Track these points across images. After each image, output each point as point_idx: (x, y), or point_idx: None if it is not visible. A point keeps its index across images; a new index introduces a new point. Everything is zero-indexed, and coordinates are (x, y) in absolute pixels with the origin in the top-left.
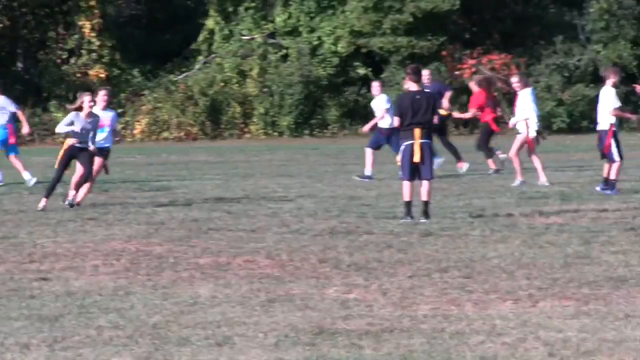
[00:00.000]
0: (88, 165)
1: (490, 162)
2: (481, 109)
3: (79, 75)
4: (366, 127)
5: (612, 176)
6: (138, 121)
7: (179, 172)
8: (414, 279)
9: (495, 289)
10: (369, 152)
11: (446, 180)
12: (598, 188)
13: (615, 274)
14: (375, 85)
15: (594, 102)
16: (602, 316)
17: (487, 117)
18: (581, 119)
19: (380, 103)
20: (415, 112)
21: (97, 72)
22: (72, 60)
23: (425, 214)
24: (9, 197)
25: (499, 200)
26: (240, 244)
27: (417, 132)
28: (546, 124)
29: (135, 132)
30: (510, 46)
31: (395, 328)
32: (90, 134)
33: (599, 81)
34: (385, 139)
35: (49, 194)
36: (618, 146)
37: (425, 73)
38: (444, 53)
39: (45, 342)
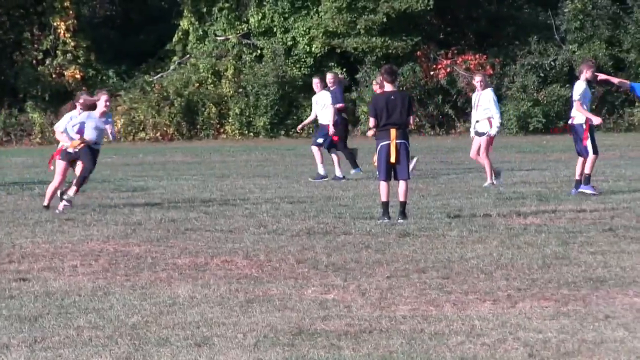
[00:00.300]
0: (91, 165)
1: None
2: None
3: (54, 76)
4: (299, 127)
5: (587, 170)
6: (114, 122)
7: (155, 173)
8: (392, 280)
9: (474, 290)
10: (332, 155)
11: (423, 181)
12: (572, 191)
13: (594, 275)
14: (316, 82)
15: (570, 102)
16: (582, 317)
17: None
18: (557, 119)
19: (324, 99)
20: (391, 112)
21: (73, 72)
22: (48, 61)
23: (403, 214)
24: None
25: (476, 201)
26: (218, 244)
27: (392, 132)
28: (522, 124)
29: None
30: (485, 46)
31: (374, 329)
32: (105, 133)
33: (574, 81)
34: (326, 134)
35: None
36: (593, 141)
37: (330, 77)
38: (418, 53)
39: (25, 343)
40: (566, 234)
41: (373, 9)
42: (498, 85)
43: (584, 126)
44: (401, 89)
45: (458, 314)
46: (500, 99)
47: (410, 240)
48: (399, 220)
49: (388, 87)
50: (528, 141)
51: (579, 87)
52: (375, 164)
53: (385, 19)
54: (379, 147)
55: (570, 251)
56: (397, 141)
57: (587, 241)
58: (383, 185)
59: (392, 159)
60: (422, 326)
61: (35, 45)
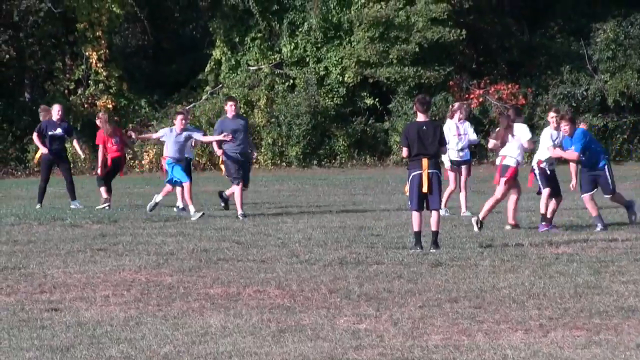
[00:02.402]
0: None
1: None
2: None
3: (86, 105)
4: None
5: (542, 209)
6: (146, 151)
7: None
8: (425, 309)
9: (506, 319)
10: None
11: (455, 210)
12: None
13: (625, 304)
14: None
15: (602, 131)
16: (613, 346)
17: (114, 153)
18: None
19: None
20: (423, 142)
21: (105, 102)
22: (80, 91)
23: (435, 244)
24: (19, 227)
25: (508, 230)
26: (250, 274)
27: (424, 162)
28: None
29: (143, 162)
30: (517, 76)
31: (407, 358)
32: None
33: (606, 111)
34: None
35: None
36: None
37: (56, 109)
38: (451, 83)
39: None
40: (598, 263)
41: (405, 39)
42: (530, 114)
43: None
44: (434, 119)
45: (490, 344)
46: (533, 128)
47: (443, 270)
48: (431, 250)
49: (420, 117)
50: (560, 170)
51: (545, 134)
52: (407, 193)
53: (417, 49)
54: (410, 176)
55: (602, 280)
56: (429, 171)
57: (619, 270)
58: (415, 215)
59: (425, 189)
60: (454, 355)
61: (67, 75)
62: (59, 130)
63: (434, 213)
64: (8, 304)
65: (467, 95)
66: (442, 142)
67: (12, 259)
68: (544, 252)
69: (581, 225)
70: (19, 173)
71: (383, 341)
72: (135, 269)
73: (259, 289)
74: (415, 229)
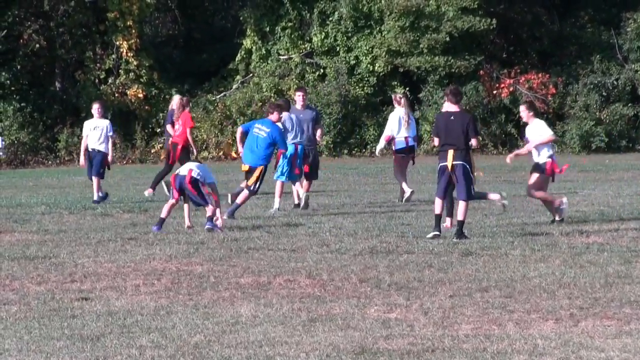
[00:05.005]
0: None
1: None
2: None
3: (117, 95)
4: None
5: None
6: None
7: (218, 192)
8: (455, 299)
9: (537, 309)
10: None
11: (486, 200)
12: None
13: None
14: (96, 107)
15: (632, 121)
16: None
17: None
18: (619, 138)
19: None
20: (449, 133)
21: (135, 92)
22: (110, 80)
23: (459, 233)
24: (49, 216)
25: (538, 220)
26: (280, 263)
27: (450, 153)
28: (584, 143)
29: None
30: (547, 65)
31: (437, 348)
32: None
33: (637, 100)
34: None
35: None
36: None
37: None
38: (481, 72)
39: None
40: (629, 252)
41: (436, 28)
42: (560, 104)
43: None
44: (466, 108)
45: (520, 333)
46: (562, 117)
47: (473, 259)
48: (453, 240)
49: (451, 108)
50: (590, 160)
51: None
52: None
53: (448, 38)
54: (438, 167)
55: (632, 270)
56: (455, 162)
57: None
58: (438, 201)
59: (453, 180)
60: (485, 345)
61: (98, 65)
62: None
63: (460, 203)
64: (39, 293)
65: (497, 85)
66: (470, 134)
67: (42, 248)
68: (574, 241)
69: (612, 215)
70: (50, 162)
71: (413, 330)
72: (165, 258)
73: (290, 278)
74: (436, 212)
